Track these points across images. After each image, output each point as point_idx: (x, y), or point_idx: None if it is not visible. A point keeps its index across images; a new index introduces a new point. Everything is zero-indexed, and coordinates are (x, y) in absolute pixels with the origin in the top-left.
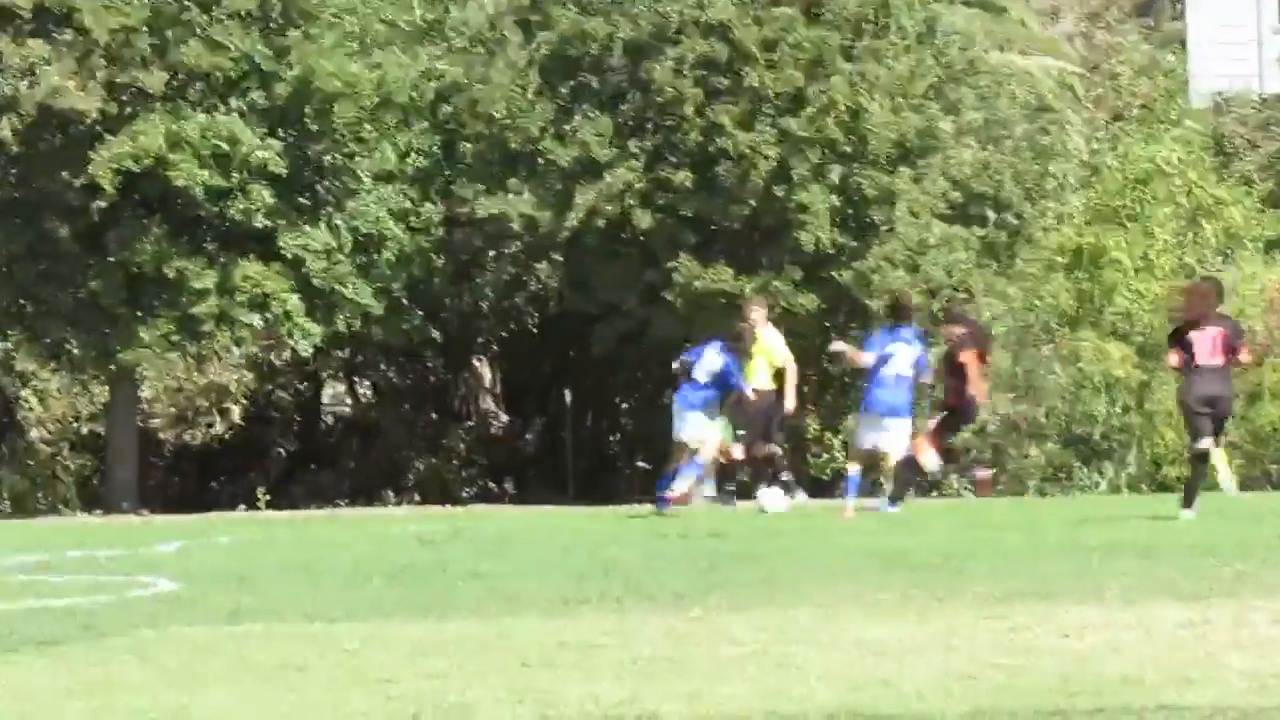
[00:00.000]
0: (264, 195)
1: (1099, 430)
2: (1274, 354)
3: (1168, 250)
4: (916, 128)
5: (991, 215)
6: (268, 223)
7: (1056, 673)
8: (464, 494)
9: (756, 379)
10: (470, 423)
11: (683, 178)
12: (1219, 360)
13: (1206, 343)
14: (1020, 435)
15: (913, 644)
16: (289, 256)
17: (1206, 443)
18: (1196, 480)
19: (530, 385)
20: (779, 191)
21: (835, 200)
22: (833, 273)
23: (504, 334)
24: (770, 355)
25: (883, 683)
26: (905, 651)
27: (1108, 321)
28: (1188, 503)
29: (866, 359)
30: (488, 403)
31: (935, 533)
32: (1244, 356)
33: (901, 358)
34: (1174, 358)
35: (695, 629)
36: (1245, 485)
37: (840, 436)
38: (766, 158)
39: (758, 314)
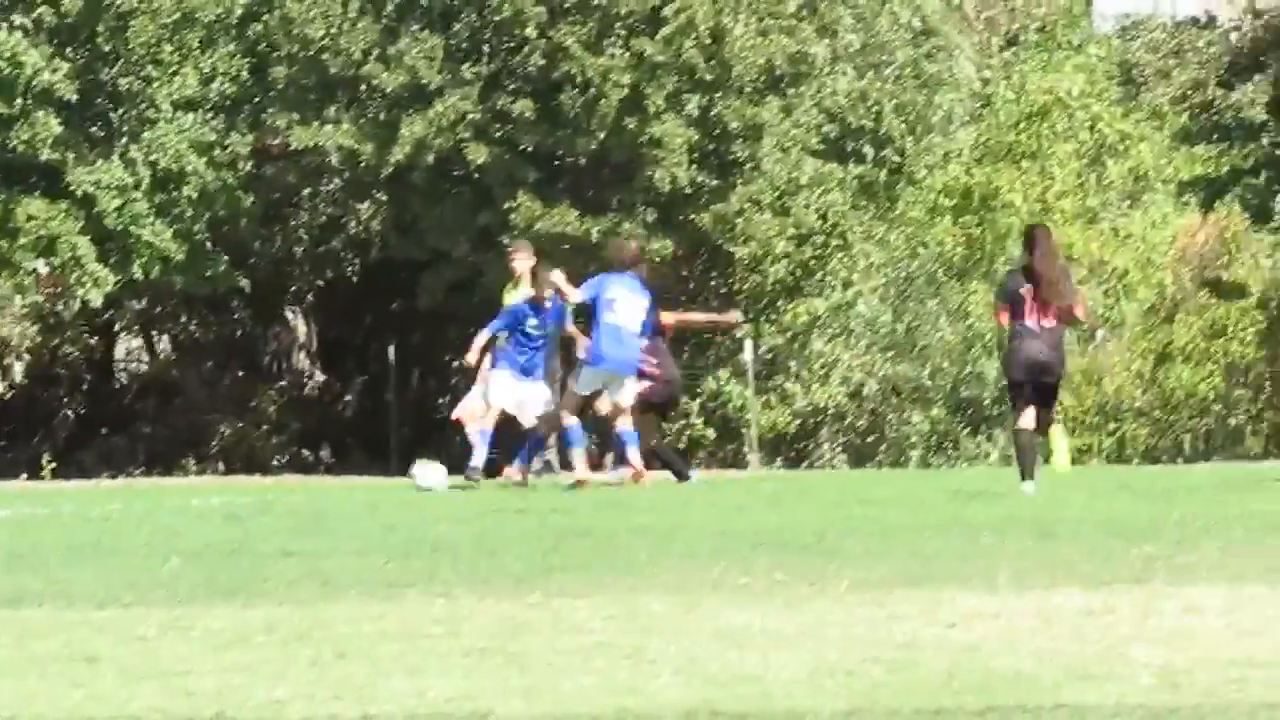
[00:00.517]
0: (51, 124)
1: (989, 394)
2: (1185, 310)
3: (1068, 193)
4: (786, 52)
5: (870, 151)
6: (55, 155)
7: (942, 668)
8: (274, 462)
9: None
10: (282, 382)
11: (523, 107)
12: (1049, 321)
13: (1034, 300)
14: (901, 400)
15: (780, 635)
16: (79, 194)
17: (1027, 420)
18: (1025, 456)
19: (349, 341)
20: (631, 124)
21: (694, 134)
22: (691, 215)
23: (320, 283)
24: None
25: (747, 678)
26: (772, 643)
27: (1001, 272)
28: (1026, 474)
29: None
30: (302, 360)
31: (806, 509)
32: (1079, 314)
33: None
34: (1004, 317)
35: (534, 616)
36: (1155, 456)
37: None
38: (618, 85)
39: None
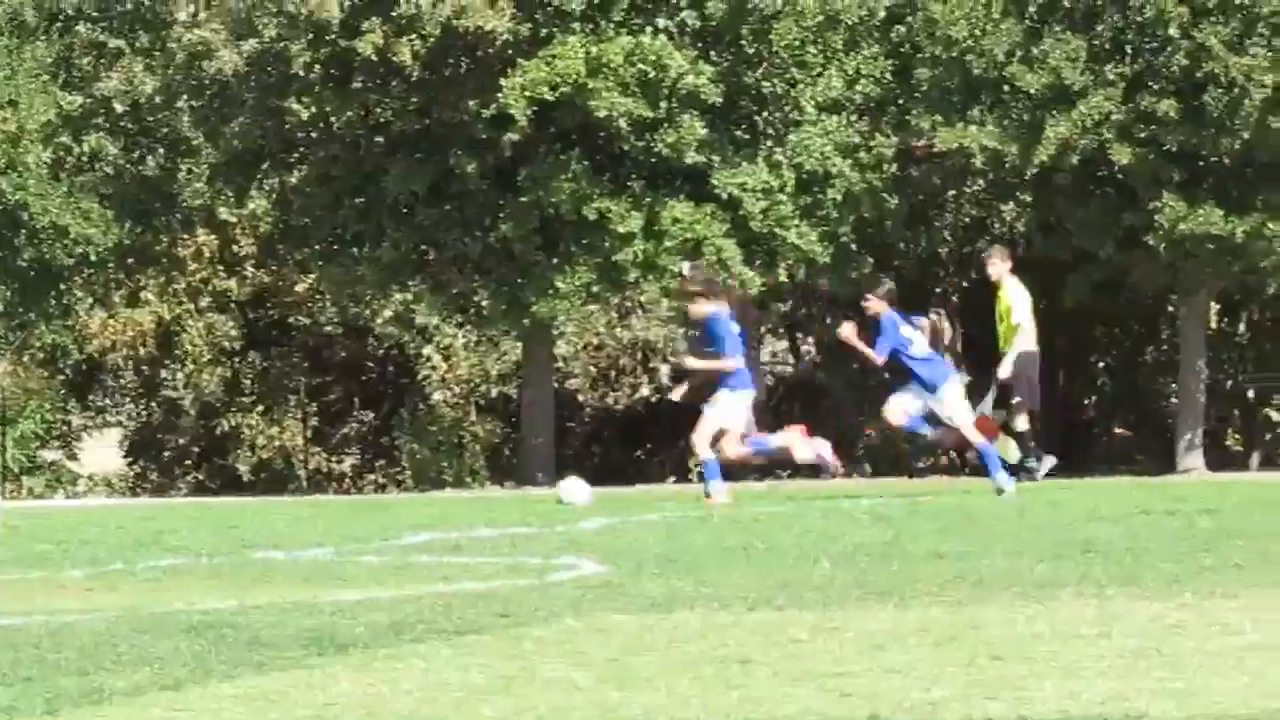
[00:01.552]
0: (695, 127)
1: None
2: None
3: None
4: None
5: None
6: (699, 159)
7: None
8: (916, 465)
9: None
10: None
11: (1166, 107)
12: None
13: None
14: None
15: None
16: (724, 197)
17: None
18: None
19: (991, 342)
20: (1276, 123)
21: None
22: None
23: (964, 284)
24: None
25: None
26: None
27: None
28: None
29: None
30: None
31: None
32: None
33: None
34: None
35: (1186, 617)
36: None
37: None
38: (1261, 85)
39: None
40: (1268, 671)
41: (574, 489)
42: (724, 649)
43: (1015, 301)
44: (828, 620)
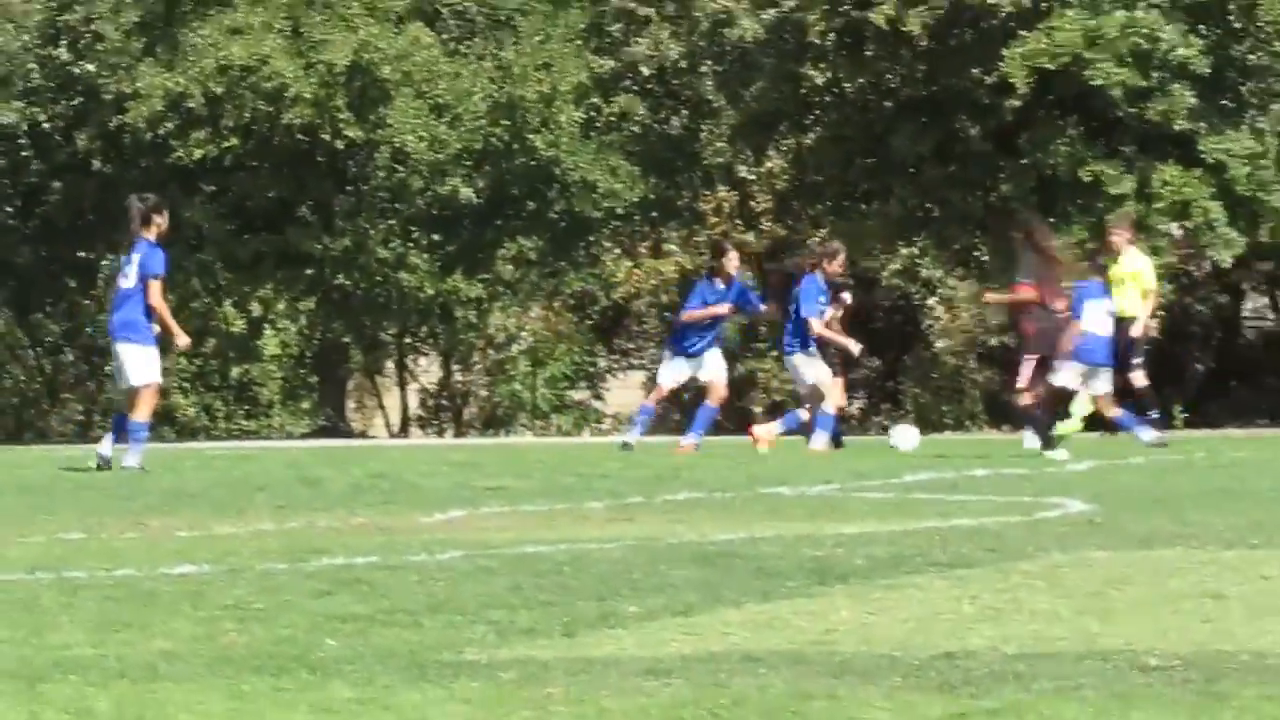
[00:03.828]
0: (1185, 96)
1: None
2: None
3: None
4: None
5: None
6: (1188, 125)
7: None
8: None
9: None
10: None
11: None
12: None
13: None
14: None
15: None
16: (1210, 161)
17: None
18: None
19: None
20: None
21: None
22: None
23: None
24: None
25: None
26: None
27: None
28: None
29: None
30: None
31: None
32: None
33: None
34: None
35: None
36: None
37: None
38: None
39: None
40: None
41: (903, 435)
42: (1200, 584)
43: (1145, 269)
44: None
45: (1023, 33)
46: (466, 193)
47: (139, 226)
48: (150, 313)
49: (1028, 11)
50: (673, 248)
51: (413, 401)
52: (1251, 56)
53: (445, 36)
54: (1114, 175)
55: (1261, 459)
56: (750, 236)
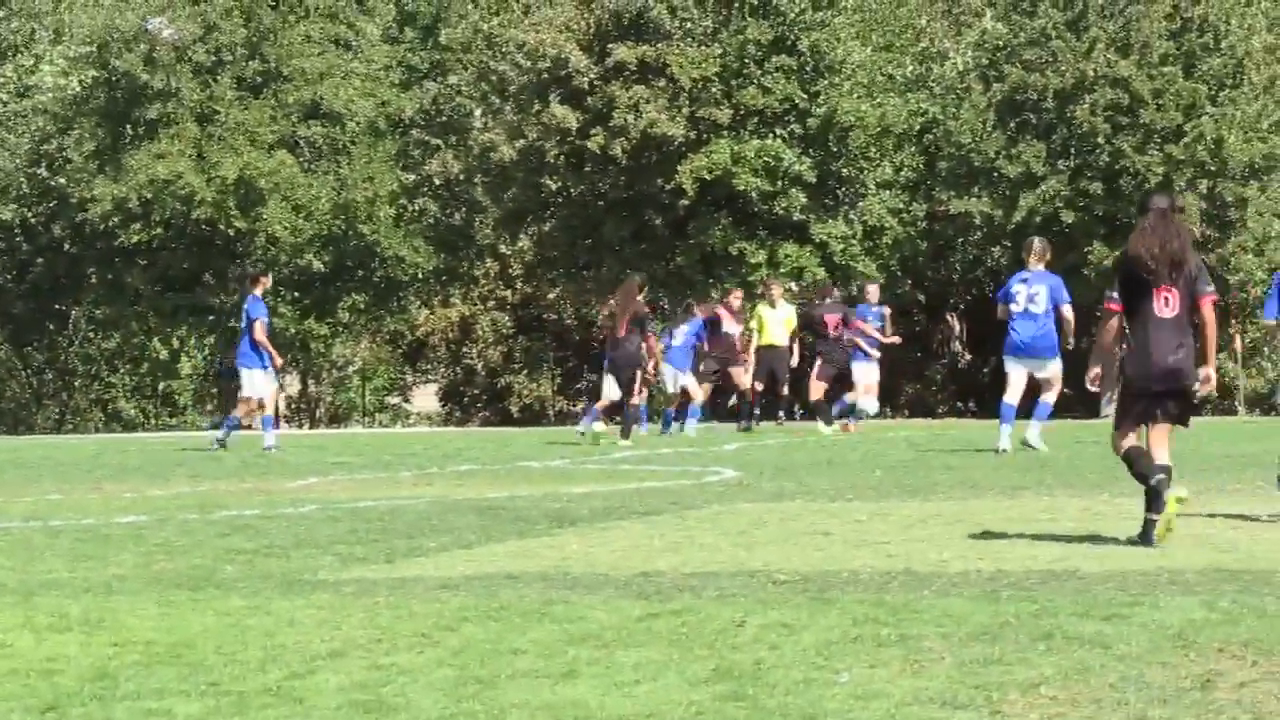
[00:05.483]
0: (799, 197)
1: None
2: None
3: None
4: (1262, 153)
5: None
6: (802, 217)
7: None
8: (938, 411)
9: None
10: (943, 361)
11: (1095, 188)
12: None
13: None
14: None
15: None
16: (818, 241)
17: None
18: None
19: (988, 335)
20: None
21: (1201, 204)
22: None
23: (969, 297)
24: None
25: None
26: None
27: None
28: None
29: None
30: (955, 346)
31: None
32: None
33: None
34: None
35: (1106, 509)
36: None
37: None
38: (1155, 174)
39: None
40: (1165, 546)
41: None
42: (813, 525)
43: (791, 313)
44: (879, 509)
45: (690, 154)
46: (317, 264)
47: (249, 286)
48: (255, 345)
49: (693, 140)
50: (456, 301)
51: (283, 405)
52: (845, 170)
53: (302, 159)
54: (753, 250)
55: (851, 440)
56: (508, 293)
